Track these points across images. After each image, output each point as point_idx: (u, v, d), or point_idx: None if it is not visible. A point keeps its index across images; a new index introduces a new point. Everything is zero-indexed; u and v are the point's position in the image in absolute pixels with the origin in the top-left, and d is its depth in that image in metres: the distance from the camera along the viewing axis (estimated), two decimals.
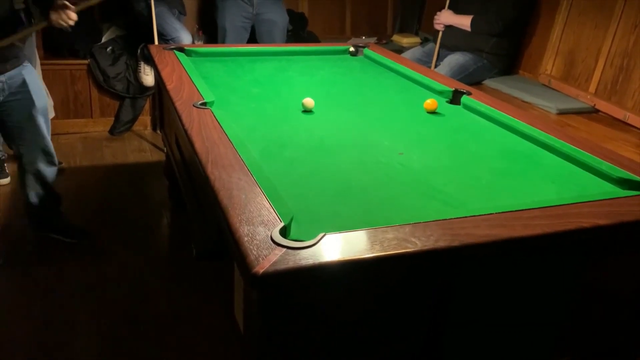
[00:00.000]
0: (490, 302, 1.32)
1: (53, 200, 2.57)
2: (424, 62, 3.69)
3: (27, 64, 2.32)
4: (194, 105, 1.94)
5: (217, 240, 1.60)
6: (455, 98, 2.25)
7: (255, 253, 1.09)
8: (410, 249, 1.13)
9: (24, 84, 2.26)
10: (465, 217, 1.27)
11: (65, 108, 3.88)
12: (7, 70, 2.20)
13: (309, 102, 2.06)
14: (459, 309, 1.29)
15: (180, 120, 1.83)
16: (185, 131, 1.74)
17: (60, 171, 2.93)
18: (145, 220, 2.93)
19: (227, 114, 1.94)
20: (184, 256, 2.63)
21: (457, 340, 1.33)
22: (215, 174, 1.43)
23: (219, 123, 1.79)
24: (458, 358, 1.36)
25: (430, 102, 2.11)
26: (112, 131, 3.98)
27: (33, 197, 2.49)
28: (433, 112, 2.11)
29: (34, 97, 2.30)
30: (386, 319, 1.24)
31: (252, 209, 1.26)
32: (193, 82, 2.19)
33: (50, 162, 2.47)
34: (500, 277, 1.29)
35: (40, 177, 2.46)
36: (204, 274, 2.44)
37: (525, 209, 1.32)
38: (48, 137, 2.41)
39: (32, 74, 2.34)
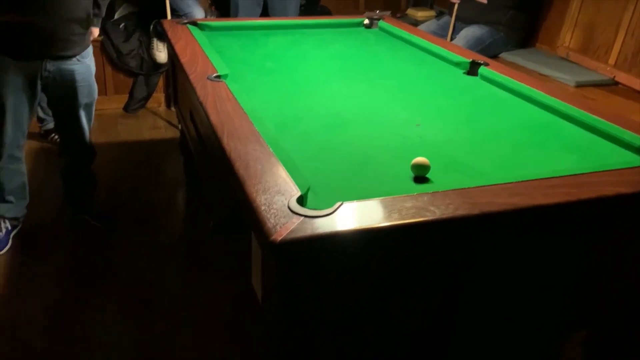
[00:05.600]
0: (507, 274, 1.31)
1: (87, 185, 2.59)
2: (440, 35, 3.63)
3: (86, 55, 2.28)
4: (208, 78, 1.93)
5: (233, 214, 1.60)
6: (472, 69, 2.22)
7: (272, 221, 1.08)
8: (429, 217, 1.12)
9: (72, 79, 2.24)
10: (485, 186, 1.25)
11: None
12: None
13: None
14: (476, 280, 1.28)
15: (195, 93, 1.82)
16: (200, 104, 1.73)
17: None
18: (160, 196, 2.94)
19: (242, 87, 1.92)
20: (199, 232, 2.64)
21: (472, 311, 1.32)
22: (231, 146, 1.42)
23: (233, 96, 1.78)
24: (472, 330, 1.36)
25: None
26: (126, 108, 3.99)
27: (67, 179, 2.53)
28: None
29: (79, 93, 2.28)
30: (402, 288, 1.23)
31: (268, 179, 1.25)
32: (207, 55, 2.17)
33: (86, 153, 2.48)
34: (518, 248, 1.28)
35: (74, 163, 2.50)
36: (219, 249, 2.46)
37: (546, 178, 1.30)
38: (87, 130, 2.40)
39: (86, 68, 2.30)
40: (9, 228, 2.43)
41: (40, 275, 2.27)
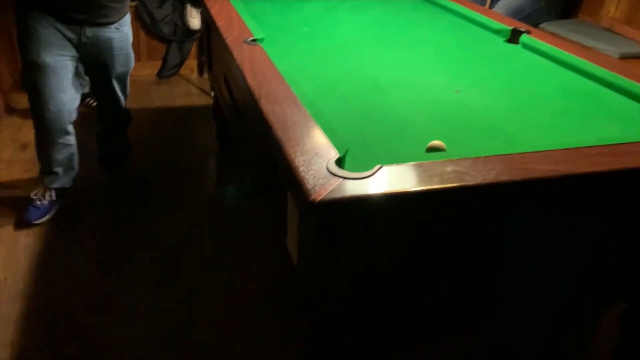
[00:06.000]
0: (547, 241, 1.29)
1: (121, 150, 2.62)
2: (478, 4, 3.53)
3: (124, 23, 2.25)
4: (244, 42, 1.92)
5: (269, 177, 1.60)
6: (513, 37, 2.15)
7: (311, 182, 1.08)
8: (470, 182, 1.10)
9: (110, 47, 2.22)
10: (527, 152, 1.22)
11: None
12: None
13: None
14: (515, 247, 1.26)
15: (232, 56, 1.81)
16: (237, 67, 1.72)
17: None
18: (193, 162, 2.97)
19: (278, 51, 1.91)
20: (232, 196, 2.66)
21: (509, 279, 1.31)
22: (269, 108, 1.41)
23: (270, 59, 1.76)
24: (508, 297, 1.35)
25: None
26: (159, 75, 4.00)
27: (103, 143, 2.57)
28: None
29: (116, 61, 2.27)
30: (441, 253, 1.22)
31: (306, 141, 1.25)
32: (242, 19, 2.16)
33: (122, 119, 2.51)
34: (559, 216, 1.25)
35: (110, 129, 2.53)
36: (252, 213, 2.48)
37: (590, 146, 1.26)
38: (122, 97, 2.42)
39: (124, 37, 2.27)
40: (54, 198, 2.40)
41: (77, 235, 2.33)
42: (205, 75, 4.03)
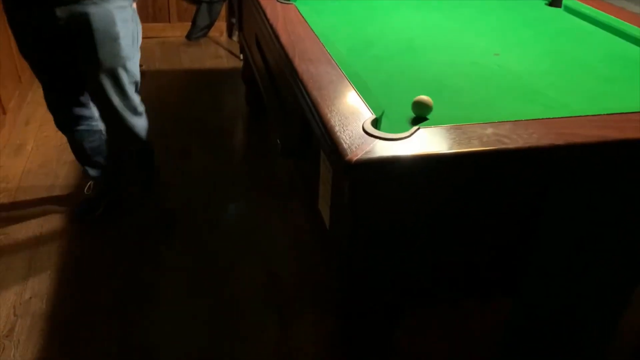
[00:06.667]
0: (588, 210, 1.25)
1: (142, 155, 2.17)
2: None
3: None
4: (278, 1, 1.88)
5: (301, 138, 1.59)
6: (555, 0, 2.07)
7: (347, 142, 1.06)
8: (510, 145, 1.07)
9: (88, 27, 1.69)
10: (570, 117, 1.18)
11: (144, 12, 3.90)
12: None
13: None
14: (554, 215, 1.23)
15: (265, 15, 1.78)
16: (270, 26, 1.70)
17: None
18: (223, 124, 2.97)
19: (311, 10, 1.87)
20: (262, 159, 2.66)
21: (542, 247, 1.28)
22: (303, 67, 1.39)
23: (303, 18, 1.73)
24: (542, 266, 1.32)
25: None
26: (189, 36, 3.99)
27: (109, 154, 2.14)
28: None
29: (98, 46, 1.72)
30: (478, 217, 1.20)
31: (342, 101, 1.22)
32: None
33: (129, 142, 2.02)
34: (602, 184, 1.21)
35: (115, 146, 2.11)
36: (279, 178, 2.48)
37: (637, 112, 1.21)
38: (122, 108, 1.89)
39: (106, 14, 1.70)
40: (104, 190, 2.21)
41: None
42: (234, 38, 4.00)
